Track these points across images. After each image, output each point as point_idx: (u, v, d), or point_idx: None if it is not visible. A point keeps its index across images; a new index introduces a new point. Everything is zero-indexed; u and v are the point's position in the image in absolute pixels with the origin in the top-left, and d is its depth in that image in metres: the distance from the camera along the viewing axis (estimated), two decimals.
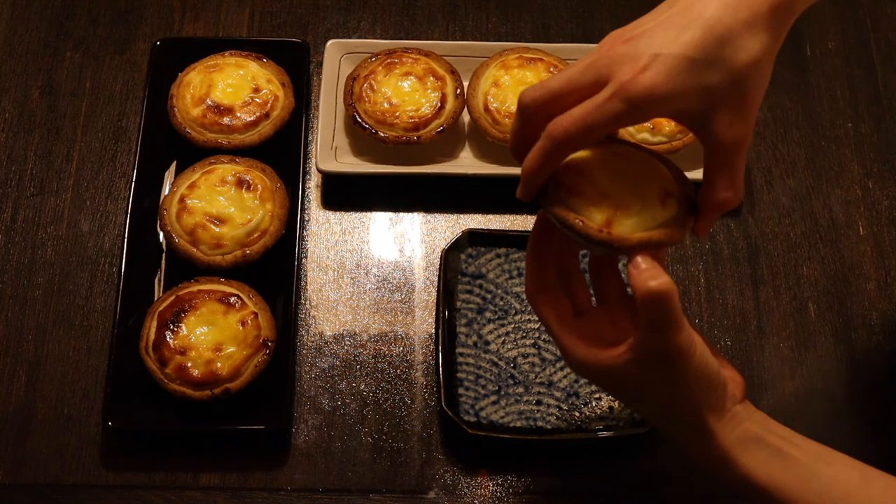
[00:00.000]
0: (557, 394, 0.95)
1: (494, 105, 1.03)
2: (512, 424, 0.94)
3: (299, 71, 1.08)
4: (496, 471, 0.94)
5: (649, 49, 0.66)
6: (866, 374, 0.98)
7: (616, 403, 0.94)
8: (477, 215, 1.06)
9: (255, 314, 0.94)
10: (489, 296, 0.99)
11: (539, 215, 0.75)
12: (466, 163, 1.06)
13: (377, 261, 1.04)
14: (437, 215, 1.06)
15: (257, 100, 1.04)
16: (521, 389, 0.95)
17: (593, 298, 0.78)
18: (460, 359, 0.96)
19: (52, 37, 1.15)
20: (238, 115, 1.03)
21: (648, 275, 0.67)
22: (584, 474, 0.93)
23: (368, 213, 1.06)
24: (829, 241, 1.05)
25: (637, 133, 1.02)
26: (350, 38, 1.15)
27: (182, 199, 0.99)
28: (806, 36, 1.16)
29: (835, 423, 0.96)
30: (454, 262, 0.99)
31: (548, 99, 0.70)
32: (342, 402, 0.96)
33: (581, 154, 0.74)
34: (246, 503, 0.92)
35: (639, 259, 0.68)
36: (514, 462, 0.94)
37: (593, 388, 0.95)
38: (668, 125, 1.02)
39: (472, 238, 1.01)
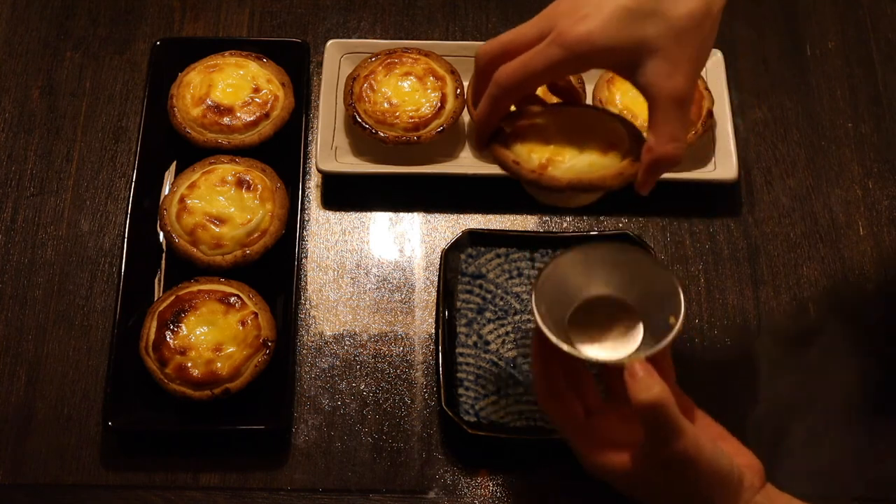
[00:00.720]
0: None
1: None
2: (512, 424, 0.94)
3: (299, 71, 1.08)
4: (496, 471, 0.94)
5: (591, 1, 0.69)
6: (866, 374, 0.98)
7: None
8: (477, 215, 1.06)
9: (255, 314, 0.94)
10: (489, 296, 0.99)
11: (535, 332, 0.76)
12: (466, 163, 1.06)
13: (377, 261, 1.04)
14: (437, 215, 1.06)
15: (257, 100, 1.04)
16: (521, 389, 0.95)
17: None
18: (460, 359, 0.96)
19: (52, 37, 1.15)
20: (238, 115, 1.03)
21: (642, 385, 0.68)
22: (584, 474, 0.93)
23: (368, 213, 1.06)
24: (829, 241, 1.05)
25: None
26: (350, 38, 1.15)
27: (182, 199, 0.99)
28: (806, 36, 1.16)
29: (834, 423, 0.96)
30: (454, 262, 0.99)
31: (499, 51, 0.74)
32: (342, 402, 0.96)
33: (536, 108, 0.78)
34: (246, 503, 0.92)
35: (636, 367, 0.70)
36: (514, 462, 0.94)
37: None
38: None
39: (472, 238, 1.01)
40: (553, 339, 0.73)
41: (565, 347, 0.73)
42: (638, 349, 0.76)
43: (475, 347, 0.97)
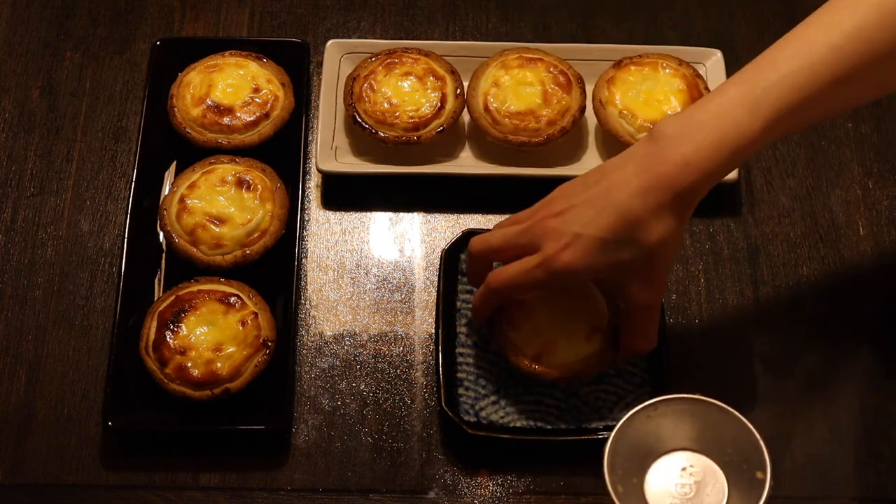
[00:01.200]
0: (557, 393, 0.95)
1: (494, 105, 1.03)
2: (512, 424, 0.94)
3: (299, 71, 1.08)
4: (496, 471, 0.93)
5: (572, 228, 0.79)
6: (866, 374, 0.98)
7: (616, 403, 0.94)
8: (477, 215, 1.06)
9: (255, 314, 0.94)
10: None
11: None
12: (466, 163, 1.06)
13: (377, 261, 1.04)
14: (437, 215, 1.06)
15: (257, 100, 1.04)
16: (520, 389, 0.95)
17: None
18: (460, 359, 0.96)
19: (52, 37, 1.15)
20: (238, 115, 1.03)
21: None
22: (584, 474, 0.93)
23: (368, 213, 1.06)
24: (829, 241, 1.05)
25: (637, 133, 1.02)
26: (350, 38, 1.15)
27: (182, 199, 0.99)
28: None
29: (835, 423, 0.96)
30: (454, 262, 0.99)
31: (490, 252, 0.87)
32: (342, 402, 0.96)
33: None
34: (246, 503, 0.92)
35: None
36: (514, 462, 0.94)
37: (593, 387, 0.95)
38: None
39: (472, 238, 1.00)
40: None
41: None
42: None
43: (475, 347, 0.97)
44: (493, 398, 0.95)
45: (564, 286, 0.86)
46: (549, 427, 0.94)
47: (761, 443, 0.75)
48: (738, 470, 0.77)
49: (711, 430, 0.79)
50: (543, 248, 0.80)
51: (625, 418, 0.79)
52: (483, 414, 0.94)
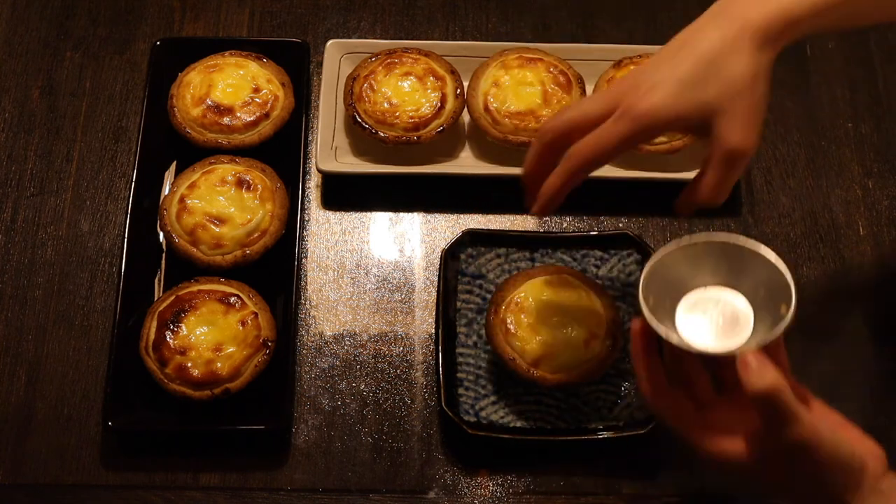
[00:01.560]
0: (557, 393, 0.95)
1: (494, 105, 1.03)
2: (512, 424, 0.94)
3: (299, 71, 1.08)
4: (496, 471, 0.94)
5: (651, 78, 0.75)
6: (867, 374, 0.98)
7: (616, 403, 0.94)
8: (477, 215, 1.06)
9: (255, 314, 0.94)
10: (489, 296, 0.99)
11: (635, 324, 0.77)
12: (466, 163, 1.06)
13: (377, 261, 1.04)
14: (437, 215, 1.06)
15: (257, 100, 1.04)
16: (520, 389, 0.95)
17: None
18: (460, 359, 0.96)
19: (52, 37, 1.15)
20: (238, 115, 1.03)
21: (756, 374, 0.69)
22: (584, 474, 0.93)
23: (368, 213, 1.06)
24: (829, 241, 1.05)
25: None
26: (350, 38, 1.15)
27: (182, 199, 0.99)
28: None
29: None
30: (454, 262, 0.99)
31: (567, 128, 0.78)
32: (342, 402, 0.96)
33: (529, 290, 0.93)
34: (246, 503, 0.92)
35: (748, 357, 0.70)
36: (514, 462, 0.94)
37: (593, 387, 0.95)
38: None
39: (472, 238, 1.01)
40: (663, 332, 0.73)
41: (675, 340, 0.73)
42: (749, 340, 0.76)
43: (475, 347, 0.97)
44: (493, 398, 0.95)
45: (651, 135, 0.77)
46: (548, 427, 0.94)
47: (791, 282, 0.74)
48: (766, 307, 0.76)
49: (744, 271, 0.78)
50: (624, 101, 0.76)
51: (661, 251, 0.78)
52: (483, 414, 0.94)
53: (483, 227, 1.03)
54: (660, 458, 0.94)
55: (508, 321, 0.92)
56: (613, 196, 1.05)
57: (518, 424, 0.94)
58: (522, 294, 0.93)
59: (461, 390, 0.95)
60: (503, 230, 1.03)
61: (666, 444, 0.93)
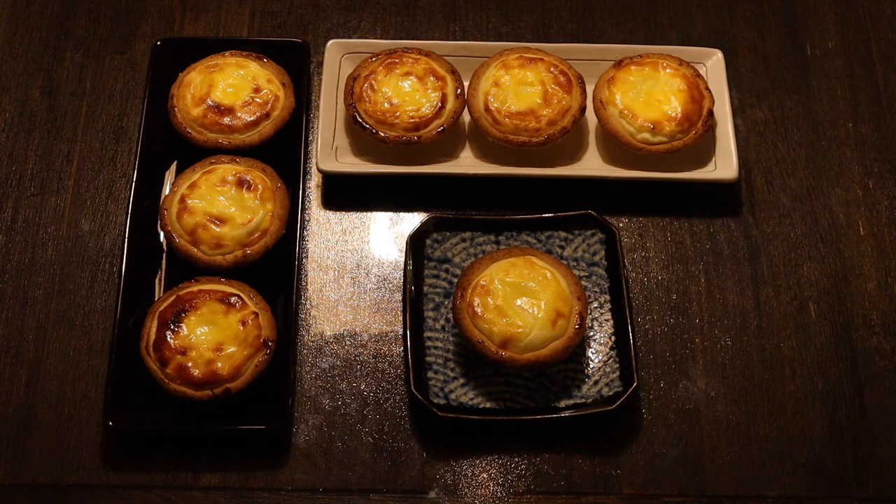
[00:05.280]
0: (526, 373, 0.95)
1: (495, 105, 1.03)
2: (481, 406, 0.94)
3: (300, 71, 1.08)
4: (496, 471, 0.94)
5: None
6: (866, 374, 0.98)
7: (584, 382, 0.95)
8: (477, 215, 1.05)
9: (256, 314, 0.94)
10: (456, 280, 0.99)
11: None
12: (466, 163, 1.06)
13: (377, 261, 1.04)
14: None
15: (258, 100, 1.04)
16: (489, 371, 0.96)
17: None
18: (428, 343, 0.97)
19: (52, 37, 1.15)
20: (238, 114, 1.03)
21: None
22: (584, 474, 0.93)
23: (368, 213, 1.06)
24: (829, 241, 1.05)
25: (638, 133, 1.02)
26: (350, 38, 1.15)
27: (182, 199, 0.99)
28: (806, 36, 1.16)
29: (836, 423, 0.96)
30: (419, 248, 0.99)
31: None
32: (342, 402, 0.96)
33: (495, 272, 0.93)
34: (246, 503, 0.92)
35: None
36: (514, 462, 0.94)
37: (561, 366, 0.96)
38: (668, 125, 1.02)
39: (437, 223, 1.00)
40: None
41: None
42: None
43: (443, 331, 0.97)
44: (462, 381, 0.95)
45: None
46: (518, 407, 0.94)
47: None
48: None
49: None
50: None
51: None
52: (453, 396, 0.94)
53: (447, 216, 1.02)
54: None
55: (475, 304, 0.92)
56: (613, 196, 1.06)
57: (487, 405, 0.94)
58: (488, 277, 0.93)
59: (430, 374, 0.95)
60: (468, 215, 1.02)
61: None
